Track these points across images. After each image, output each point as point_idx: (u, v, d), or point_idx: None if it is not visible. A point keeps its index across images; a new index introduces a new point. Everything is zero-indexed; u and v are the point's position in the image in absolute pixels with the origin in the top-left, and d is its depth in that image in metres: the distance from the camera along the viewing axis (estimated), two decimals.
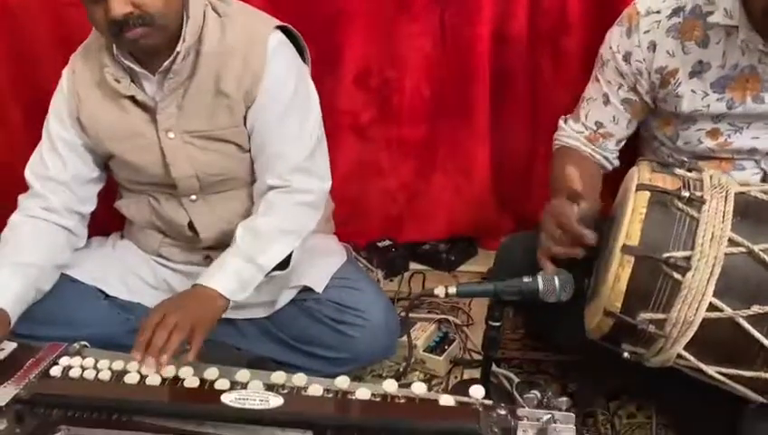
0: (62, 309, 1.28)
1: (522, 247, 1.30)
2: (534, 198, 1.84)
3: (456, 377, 1.41)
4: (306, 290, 1.29)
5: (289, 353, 1.31)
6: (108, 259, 1.39)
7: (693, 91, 1.19)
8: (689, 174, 1.04)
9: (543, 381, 1.31)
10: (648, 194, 0.98)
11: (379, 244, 1.85)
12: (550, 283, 1.11)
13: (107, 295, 1.35)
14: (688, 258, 0.95)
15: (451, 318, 1.56)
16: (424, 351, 1.40)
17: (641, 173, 1.01)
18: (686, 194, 0.98)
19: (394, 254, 1.83)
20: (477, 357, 1.45)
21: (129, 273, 1.39)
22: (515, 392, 1.25)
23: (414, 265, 1.86)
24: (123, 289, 1.37)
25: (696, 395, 1.11)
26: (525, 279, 1.12)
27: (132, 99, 1.25)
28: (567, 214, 1.06)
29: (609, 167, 1.34)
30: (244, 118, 1.26)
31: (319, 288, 1.29)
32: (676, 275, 0.95)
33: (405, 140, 1.77)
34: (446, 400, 0.94)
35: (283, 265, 1.28)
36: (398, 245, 1.85)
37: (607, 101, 1.29)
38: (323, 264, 1.35)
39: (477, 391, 0.95)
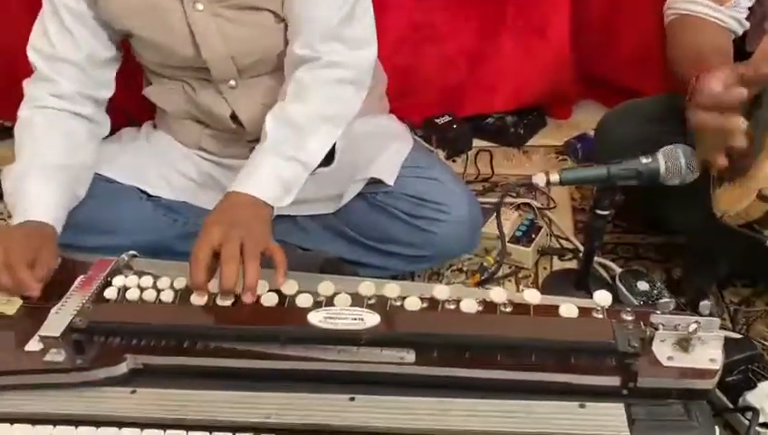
0: (102, 214, 1.17)
1: (629, 121, 1.15)
2: (615, 57, 1.66)
3: (545, 268, 1.31)
4: (375, 182, 1.17)
5: (360, 252, 1.21)
6: (144, 154, 1.27)
7: None
8: None
9: (651, 272, 1.19)
10: None
11: (438, 120, 1.69)
12: (674, 162, 0.97)
13: (149, 196, 1.24)
14: None
15: (532, 202, 1.44)
16: (509, 241, 1.29)
17: None
18: None
19: (455, 130, 1.68)
20: (567, 245, 1.34)
21: (169, 168, 1.26)
22: (619, 284, 1.15)
23: (478, 143, 1.71)
24: (165, 187, 1.25)
25: None
26: (644, 159, 0.98)
27: None
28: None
29: (740, 31, 1.14)
30: None
31: (390, 180, 1.16)
32: None
33: None
34: (568, 309, 0.83)
35: (327, 159, 1.15)
36: (458, 120, 1.69)
37: None
38: (390, 151, 1.21)
39: (603, 297, 0.84)
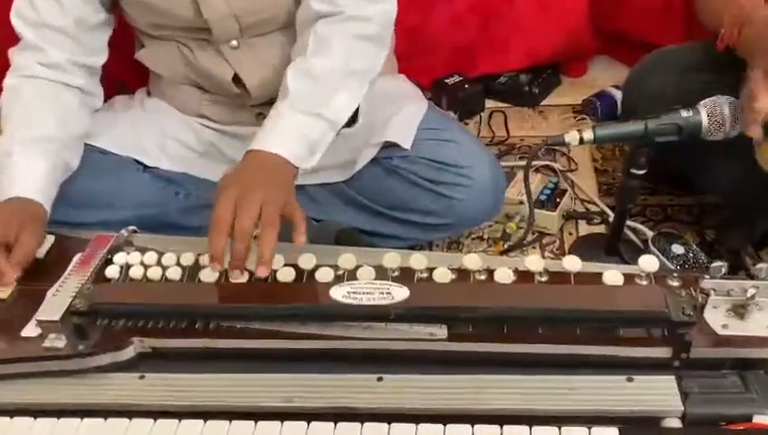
0: (96, 188, 1.11)
1: (663, 71, 1.08)
2: (634, 8, 1.59)
3: (570, 233, 1.25)
4: (389, 146, 1.10)
5: (375, 221, 1.15)
6: (139, 123, 1.20)
7: None
8: None
9: (683, 234, 1.14)
10: None
11: (448, 80, 1.63)
12: (717, 115, 0.92)
13: (146, 167, 1.18)
14: None
15: (553, 164, 1.38)
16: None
17: None
18: None
19: (467, 91, 1.61)
20: (593, 208, 1.28)
21: (166, 137, 1.19)
22: (653, 248, 1.10)
23: (491, 103, 1.65)
24: (163, 157, 1.19)
25: None
26: (684, 113, 0.93)
27: None
28: None
29: None
30: None
31: (406, 143, 1.09)
32: None
33: None
34: (612, 276, 0.78)
35: (350, 119, 1.08)
36: (470, 80, 1.63)
37: None
38: (404, 113, 1.14)
39: (650, 263, 0.79)
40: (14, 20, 1.07)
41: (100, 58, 1.13)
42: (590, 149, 1.45)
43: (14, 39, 1.08)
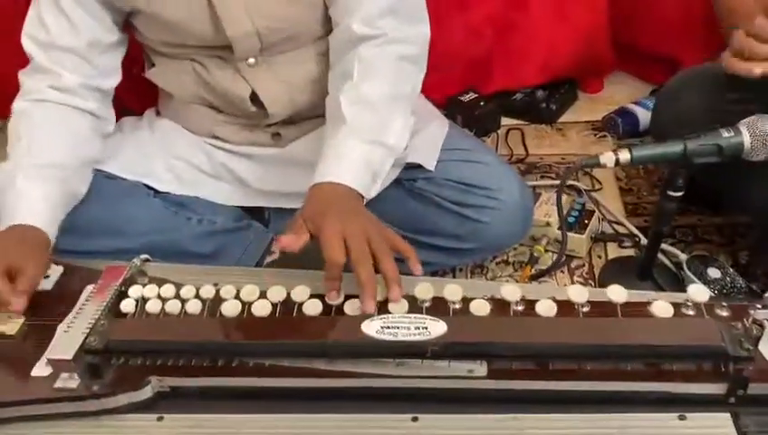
0: (105, 215, 1.07)
1: (700, 87, 1.05)
2: (653, 22, 1.57)
3: (599, 256, 1.21)
4: (412, 167, 1.07)
5: None
6: (148, 146, 1.16)
7: None
8: None
9: (718, 256, 1.10)
10: None
11: (463, 97, 1.60)
12: (760, 135, 0.88)
13: (156, 192, 1.14)
14: None
15: (578, 184, 1.34)
16: (559, 229, 1.19)
17: None
18: None
19: (483, 109, 1.58)
20: (620, 229, 1.25)
21: (176, 160, 1.16)
22: (687, 272, 1.06)
23: (507, 121, 1.62)
24: (174, 181, 1.15)
25: None
26: (725, 133, 0.89)
27: None
28: None
29: None
30: None
31: (430, 165, 1.06)
32: None
33: None
34: (661, 307, 0.74)
35: None
36: (485, 97, 1.60)
37: None
38: (426, 132, 1.11)
39: (699, 293, 0.75)
40: (25, 41, 1.04)
41: (114, 80, 1.10)
42: (615, 169, 1.42)
43: (24, 62, 1.06)
